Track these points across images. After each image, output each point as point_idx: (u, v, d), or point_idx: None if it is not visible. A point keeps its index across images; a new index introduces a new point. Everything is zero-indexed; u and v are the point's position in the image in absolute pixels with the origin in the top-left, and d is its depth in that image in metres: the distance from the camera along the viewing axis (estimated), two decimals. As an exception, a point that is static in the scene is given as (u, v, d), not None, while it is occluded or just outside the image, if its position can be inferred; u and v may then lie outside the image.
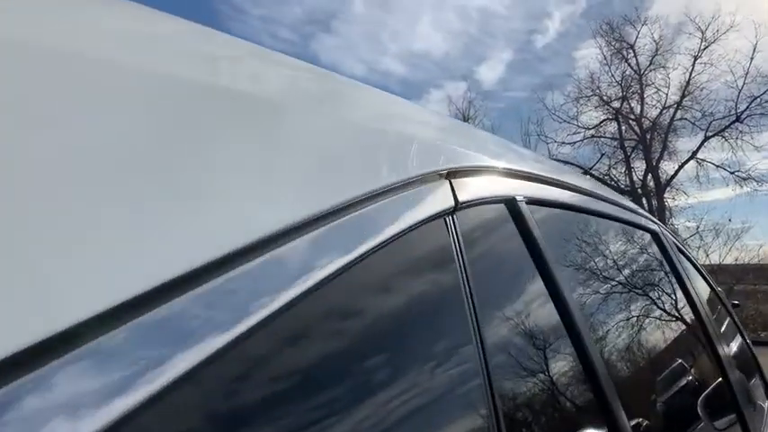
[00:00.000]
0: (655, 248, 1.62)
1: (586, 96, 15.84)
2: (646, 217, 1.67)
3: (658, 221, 1.82)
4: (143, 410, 0.26)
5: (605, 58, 15.64)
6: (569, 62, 24.39)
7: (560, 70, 25.15)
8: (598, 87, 15.74)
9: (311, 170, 0.46)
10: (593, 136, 15.85)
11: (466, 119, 15.43)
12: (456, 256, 0.63)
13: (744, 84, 13.83)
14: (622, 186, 15.13)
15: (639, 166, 15.61)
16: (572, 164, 14.53)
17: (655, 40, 15.13)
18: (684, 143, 15.98)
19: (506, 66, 22.09)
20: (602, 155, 15.75)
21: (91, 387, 0.25)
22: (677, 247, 1.82)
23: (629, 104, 15.69)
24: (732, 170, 14.26)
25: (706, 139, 14.53)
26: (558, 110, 16.03)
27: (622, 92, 15.55)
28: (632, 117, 15.63)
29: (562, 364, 0.83)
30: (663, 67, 15.21)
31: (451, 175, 0.68)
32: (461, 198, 0.67)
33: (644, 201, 14.82)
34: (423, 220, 0.58)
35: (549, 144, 15.89)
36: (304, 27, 19.96)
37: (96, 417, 0.25)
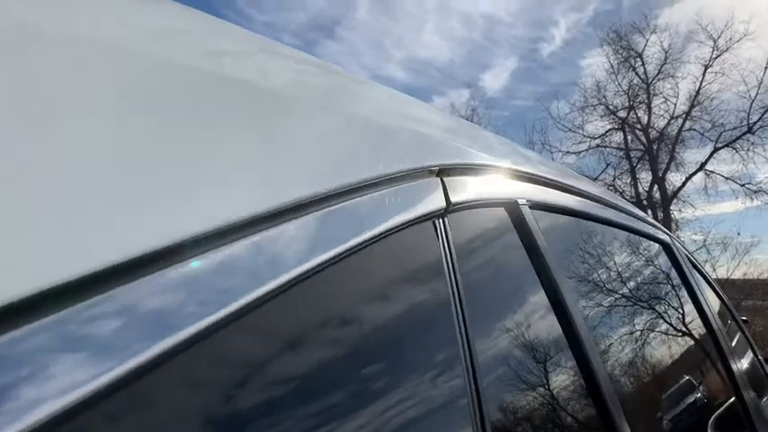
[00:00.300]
0: (667, 260, 1.54)
1: (592, 105, 15.67)
2: (657, 227, 1.61)
3: (669, 232, 1.74)
4: (106, 393, 0.25)
5: (612, 67, 15.46)
6: (575, 71, 24.53)
7: (566, 79, 24.78)
8: (604, 96, 15.58)
9: (274, 157, 0.39)
10: (598, 146, 15.70)
11: (469, 126, 15.35)
12: (446, 264, 0.55)
13: (757, 94, 13.51)
14: (627, 197, 14.96)
15: (645, 177, 15.45)
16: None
17: (664, 49, 14.89)
18: (692, 154, 15.73)
19: (511, 74, 21.92)
20: (608, 165, 15.62)
21: (58, 358, 0.24)
22: (689, 259, 1.74)
23: (636, 114, 15.54)
24: (742, 182, 14.05)
25: (715, 150, 14.28)
26: (563, 119, 15.86)
27: (629, 101, 15.40)
28: (639, 127, 15.48)
29: (572, 386, 0.75)
30: (672, 76, 14.99)
31: (444, 172, 0.60)
32: (454, 199, 0.59)
33: (649, 212, 14.65)
34: (408, 222, 0.50)
35: (553, 153, 15.69)
36: (308, 33, 19.89)
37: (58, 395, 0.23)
